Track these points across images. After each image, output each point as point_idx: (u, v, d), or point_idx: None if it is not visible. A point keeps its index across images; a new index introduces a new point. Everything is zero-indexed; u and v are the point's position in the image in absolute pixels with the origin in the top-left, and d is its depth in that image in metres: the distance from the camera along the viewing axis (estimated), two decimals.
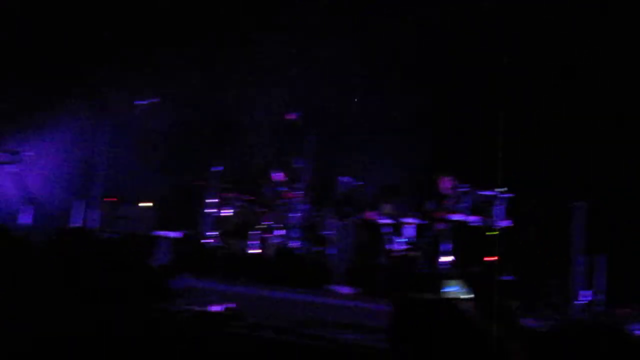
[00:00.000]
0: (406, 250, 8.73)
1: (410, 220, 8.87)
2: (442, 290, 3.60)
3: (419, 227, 8.76)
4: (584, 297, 7.23)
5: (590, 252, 7.14)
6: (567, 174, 7.40)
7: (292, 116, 8.72)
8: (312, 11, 9.32)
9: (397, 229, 8.85)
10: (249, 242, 8.70)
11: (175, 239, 8.15)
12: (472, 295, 3.54)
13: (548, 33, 8.31)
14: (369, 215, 8.78)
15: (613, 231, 7.39)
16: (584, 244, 6.95)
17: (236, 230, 8.85)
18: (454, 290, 3.54)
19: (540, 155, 7.64)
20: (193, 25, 9.30)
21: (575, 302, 6.97)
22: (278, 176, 9.31)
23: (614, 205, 7.37)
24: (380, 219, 9.00)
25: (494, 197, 8.16)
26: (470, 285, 3.51)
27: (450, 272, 7.88)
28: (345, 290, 7.66)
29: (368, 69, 9.59)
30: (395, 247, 8.71)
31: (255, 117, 9.89)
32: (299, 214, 8.80)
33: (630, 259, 6.81)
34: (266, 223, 8.95)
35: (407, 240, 8.77)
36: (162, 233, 8.14)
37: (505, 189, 7.98)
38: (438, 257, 8.13)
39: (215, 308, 4.90)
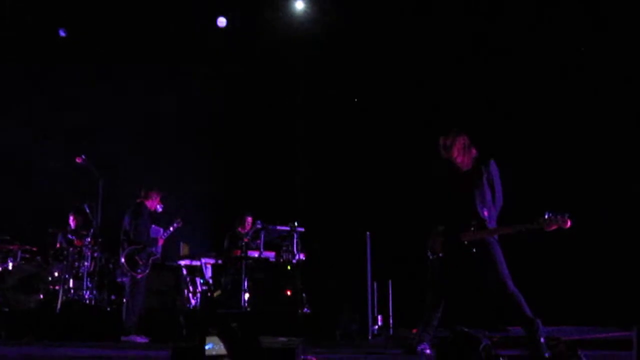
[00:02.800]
0: (207, 291, 8.49)
1: (208, 260, 8.68)
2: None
3: (217, 267, 8.57)
4: (377, 322, 7.42)
5: (379, 278, 7.30)
6: (353, 207, 7.65)
7: (79, 159, 8.14)
8: None
9: (196, 270, 8.59)
10: (33, 296, 7.92)
11: None
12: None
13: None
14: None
15: (395, 257, 7.66)
16: (373, 271, 7.06)
17: (18, 285, 8.00)
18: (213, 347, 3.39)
19: (329, 190, 7.74)
20: None
21: (370, 328, 7.04)
22: (71, 223, 8.80)
23: (395, 235, 7.61)
24: (178, 261, 8.72)
25: (288, 232, 8.17)
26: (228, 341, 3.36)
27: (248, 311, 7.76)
28: (141, 339, 7.20)
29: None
30: (197, 288, 8.46)
31: (50, 161, 9.44)
32: (89, 263, 8.19)
33: (410, 283, 6.97)
34: (54, 274, 8.26)
35: (206, 281, 8.54)
36: None
37: (296, 223, 8.04)
38: (239, 295, 7.95)
39: None
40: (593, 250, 7.66)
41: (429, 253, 5.40)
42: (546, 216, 4.94)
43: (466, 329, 4.04)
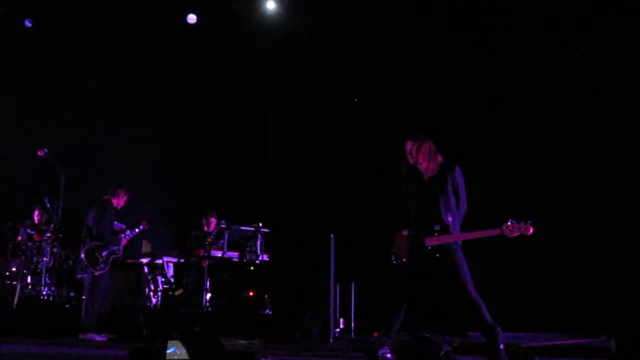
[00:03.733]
0: (168, 290, 8.38)
1: (170, 259, 8.57)
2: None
3: (179, 265, 8.49)
4: (339, 325, 7.32)
5: (341, 280, 7.28)
6: (318, 208, 7.44)
7: (41, 153, 7.96)
8: None
9: (157, 268, 8.46)
10: None
11: None
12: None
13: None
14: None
15: (358, 260, 7.59)
16: (336, 273, 7.03)
17: None
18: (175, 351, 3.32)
19: (295, 191, 7.65)
20: None
21: (332, 331, 6.99)
22: (36, 217, 8.65)
23: (359, 237, 7.59)
24: (139, 259, 8.59)
25: (252, 232, 8.14)
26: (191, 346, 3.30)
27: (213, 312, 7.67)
28: (100, 338, 7.06)
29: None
30: (158, 287, 8.32)
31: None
32: (48, 258, 8.01)
33: (373, 286, 6.83)
34: (12, 269, 8.07)
35: (167, 279, 8.43)
36: None
37: (261, 224, 7.97)
38: (201, 295, 7.85)
39: None
40: (553, 258, 7.71)
41: (392, 257, 5.39)
42: (509, 223, 4.98)
43: (427, 334, 4.08)
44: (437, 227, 5.21)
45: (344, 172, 8.15)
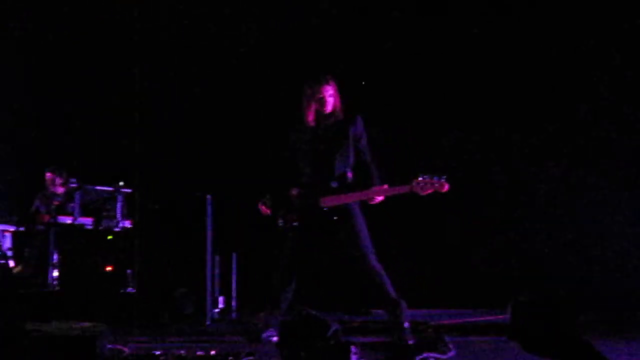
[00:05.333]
0: (3, 265, 7.93)
1: (7, 227, 8.14)
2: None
3: (19, 234, 8.11)
4: (218, 304, 7.34)
5: (220, 251, 7.24)
6: (192, 165, 7.53)
7: None
8: None
9: None
10: None
11: None
12: None
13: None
14: None
15: (240, 228, 7.57)
16: (214, 242, 6.98)
17: None
18: None
19: (162, 146, 7.63)
20: None
21: (209, 311, 7.01)
22: None
23: (239, 199, 7.40)
24: None
25: (111, 193, 7.85)
26: None
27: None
28: None
29: None
30: None
31: None
32: None
33: (256, 258, 6.98)
34: None
35: (3, 253, 7.98)
36: None
37: (122, 183, 7.71)
38: (46, 271, 7.55)
39: None
40: (467, 228, 7.89)
41: (279, 221, 5.35)
42: (420, 178, 4.98)
43: (313, 312, 4.00)
44: (334, 185, 5.17)
45: (224, 122, 8.06)
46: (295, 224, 5.29)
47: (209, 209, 6.94)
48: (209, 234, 6.95)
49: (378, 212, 5.37)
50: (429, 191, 5.00)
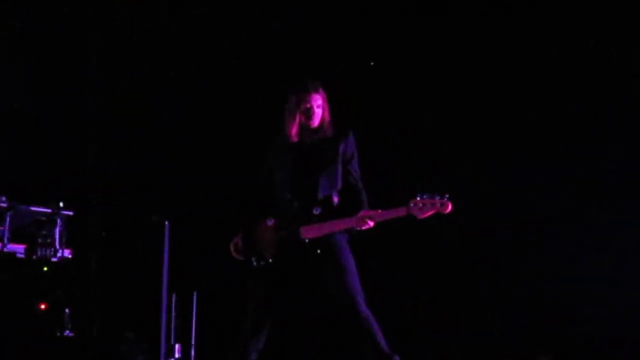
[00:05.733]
0: None
1: None
2: None
3: None
4: (174, 353, 6.89)
5: (179, 289, 6.86)
6: (148, 185, 7.07)
7: None
8: None
9: None
10: None
11: None
12: None
13: None
14: None
15: (203, 261, 7.26)
16: (171, 278, 6.47)
17: None
18: None
19: (114, 159, 7.29)
20: None
21: None
22: None
23: (203, 227, 7.21)
24: None
25: (48, 215, 7.22)
26: None
27: None
28: None
29: None
30: None
31: None
32: None
33: (222, 298, 6.73)
34: None
35: None
36: None
37: (62, 204, 7.14)
38: None
39: None
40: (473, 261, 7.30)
41: (252, 258, 5.07)
42: (418, 198, 4.73)
43: None
44: (316, 212, 4.90)
45: (189, 134, 7.70)
46: (269, 259, 5.00)
47: (166, 237, 6.48)
48: (166, 267, 6.45)
49: (365, 244, 5.17)
50: (429, 213, 4.75)
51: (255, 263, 5.05)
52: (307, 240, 4.89)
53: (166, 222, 6.42)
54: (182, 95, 8.08)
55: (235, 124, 7.67)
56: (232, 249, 5.17)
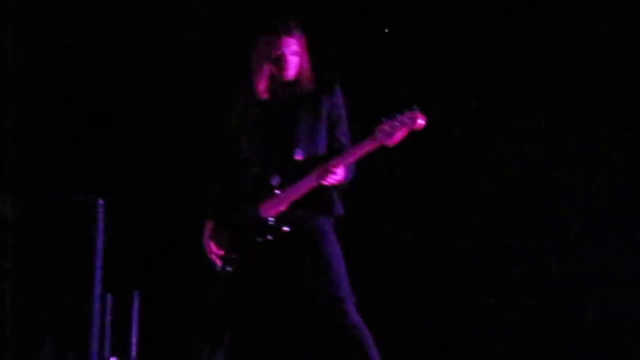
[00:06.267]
0: None
1: None
2: None
3: None
4: None
5: (116, 288, 6.26)
6: (80, 156, 6.48)
7: None
8: None
9: None
10: None
11: None
12: None
13: None
14: None
15: (148, 253, 6.67)
16: (105, 273, 6.01)
17: None
18: None
19: (39, 128, 6.66)
20: None
21: None
22: None
23: (147, 209, 6.64)
24: None
25: None
26: None
27: None
28: None
29: None
30: None
31: None
32: None
33: (170, 300, 6.15)
34: None
35: None
36: None
37: None
38: None
39: None
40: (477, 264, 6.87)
41: (221, 263, 4.57)
42: (384, 124, 4.25)
43: None
44: (274, 182, 4.35)
45: (132, 93, 7.03)
46: (233, 256, 4.50)
47: (100, 220, 5.94)
48: (99, 258, 5.95)
49: (356, 237, 4.92)
50: (400, 134, 4.25)
51: (220, 268, 4.57)
52: (269, 221, 4.32)
53: (100, 201, 6.00)
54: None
55: (187, 76, 7.05)
56: (209, 244, 4.62)
